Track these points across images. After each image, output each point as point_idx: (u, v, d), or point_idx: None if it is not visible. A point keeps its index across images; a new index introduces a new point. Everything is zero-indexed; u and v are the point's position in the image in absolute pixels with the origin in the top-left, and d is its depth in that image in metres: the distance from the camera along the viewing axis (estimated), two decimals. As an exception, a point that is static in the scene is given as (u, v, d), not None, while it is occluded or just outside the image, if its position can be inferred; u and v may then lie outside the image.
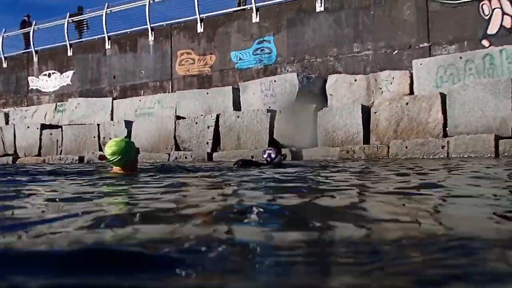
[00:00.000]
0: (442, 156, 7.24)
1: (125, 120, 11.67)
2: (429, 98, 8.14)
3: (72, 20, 15.73)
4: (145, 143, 11.09)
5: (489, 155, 6.86)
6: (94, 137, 11.89)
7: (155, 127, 11.10)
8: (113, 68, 14.71)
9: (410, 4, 10.32)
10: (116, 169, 4.48)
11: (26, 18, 17.15)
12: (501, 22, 9.41)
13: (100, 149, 11.73)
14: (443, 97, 8.07)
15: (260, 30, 12.23)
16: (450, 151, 7.21)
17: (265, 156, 5.88)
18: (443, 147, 7.27)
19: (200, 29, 13.12)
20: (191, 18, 13.23)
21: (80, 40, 15.76)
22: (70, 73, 15.59)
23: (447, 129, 7.99)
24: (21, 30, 17.07)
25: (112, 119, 12.99)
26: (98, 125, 11.99)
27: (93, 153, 11.36)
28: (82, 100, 13.97)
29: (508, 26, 9.34)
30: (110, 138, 11.55)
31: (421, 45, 10.15)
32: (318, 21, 11.40)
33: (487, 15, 9.53)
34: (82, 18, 15.65)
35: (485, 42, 9.47)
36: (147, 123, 11.33)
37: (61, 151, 12.29)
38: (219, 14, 12.97)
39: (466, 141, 7.11)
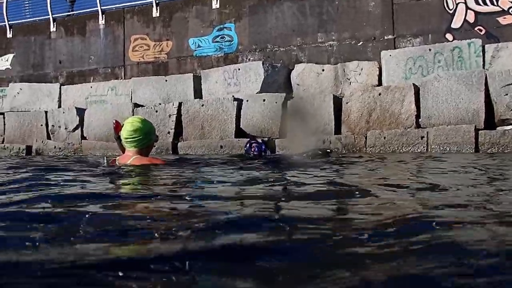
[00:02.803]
0: (422, 147, 6.95)
1: (76, 108, 10.57)
2: (402, 89, 7.86)
3: (11, -1, 14.13)
4: (99, 132, 10.09)
5: (469, 146, 6.64)
6: (42, 125, 10.68)
7: (110, 115, 10.07)
8: (59, 52, 13.37)
9: (375, -5, 10.02)
10: (126, 156, 3.70)
11: None
12: (465, 16, 9.32)
13: (49, 138, 10.56)
14: (416, 88, 7.81)
15: (221, 16, 11.49)
16: (429, 142, 6.94)
17: (252, 150, 5.28)
18: (422, 137, 6.99)
19: (155, 13, 12.15)
20: (146, 1, 12.24)
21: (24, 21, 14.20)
22: (9, 56, 14.03)
23: (420, 120, 7.74)
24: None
25: (60, 106, 11.76)
26: (46, 112, 10.79)
27: (42, 142, 10.18)
28: (26, 85, 12.58)
29: (472, 21, 9.26)
30: (60, 127, 10.45)
31: (386, 37, 9.88)
32: (281, 9, 10.84)
33: (451, 9, 9.40)
34: (24, -3, 14.09)
35: (449, 36, 9.34)
36: (101, 111, 10.31)
37: (3, 139, 10.95)
38: (177, -2, 12.07)
39: (446, 131, 6.87)
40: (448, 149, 6.75)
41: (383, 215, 1.48)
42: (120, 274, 0.89)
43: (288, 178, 2.95)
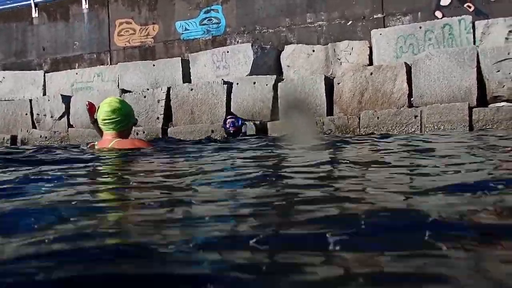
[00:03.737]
0: (415, 126, 6.86)
1: (61, 95, 10.27)
2: (394, 68, 7.73)
3: (-10, -16, 13.64)
4: (86, 120, 9.74)
5: (463, 124, 6.57)
6: (26, 114, 10.38)
7: (97, 102, 9.73)
8: (42, 38, 12.98)
9: (364, -27, 9.82)
10: (105, 140, 3.50)
11: None
12: (454, -7, 9.18)
13: (34, 127, 10.29)
14: (408, 67, 7.70)
15: (207, -2, 11.21)
16: (423, 121, 6.85)
17: (227, 126, 5.05)
18: (416, 116, 6.90)
19: (140, -4, 11.82)
20: (130, -16, 11.88)
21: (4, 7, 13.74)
22: (-9, 44, 13.59)
23: (412, 99, 7.64)
24: None
25: (44, 94, 11.44)
26: (31, 100, 10.47)
27: (27, 131, 9.91)
28: (8, 73, 12.20)
29: (461, -2, 9.13)
30: (45, 115, 10.17)
31: (375, 16, 9.73)
32: (269, -10, 10.59)
33: (441, -14, 9.25)
34: (3, -18, 13.60)
35: (438, 13, 9.22)
36: (88, 98, 9.88)
37: (-13, 130, 10.64)
38: (162, -20, 11.73)
39: (439, 110, 6.77)
40: (442, 128, 6.67)
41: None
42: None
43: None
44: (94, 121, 3.64)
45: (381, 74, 7.78)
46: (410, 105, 7.59)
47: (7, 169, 2.50)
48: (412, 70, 7.62)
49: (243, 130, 4.92)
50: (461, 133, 5.86)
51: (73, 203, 1.44)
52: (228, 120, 5.03)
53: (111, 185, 2.03)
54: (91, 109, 3.59)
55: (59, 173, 2.17)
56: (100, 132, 3.74)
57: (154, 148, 3.86)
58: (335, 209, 1.25)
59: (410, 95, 7.64)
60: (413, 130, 6.87)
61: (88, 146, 3.94)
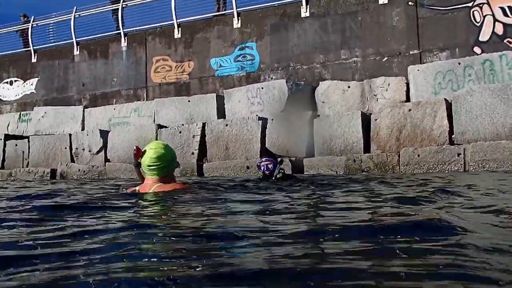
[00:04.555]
0: (459, 164, 6.59)
1: (100, 130, 10.44)
2: (434, 104, 7.53)
3: (36, 24, 14.27)
4: (123, 154, 9.94)
5: (509, 163, 6.27)
6: (66, 148, 10.58)
7: (134, 137, 9.95)
8: (82, 75, 13.39)
9: (399, 10, 9.77)
10: (147, 185, 3.43)
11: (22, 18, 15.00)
12: (493, 29, 8.99)
13: (73, 161, 10.45)
14: (447, 103, 7.48)
15: (242, 36, 11.36)
16: (467, 159, 6.58)
17: (262, 169, 4.97)
18: (459, 154, 6.63)
19: (177, 34, 12.09)
20: (168, 23, 12.19)
21: (48, 45, 14.29)
22: (34, 80, 14.11)
23: (453, 136, 7.39)
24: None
25: (83, 129, 11.70)
26: (70, 135, 10.69)
27: (66, 165, 10.06)
28: (50, 108, 12.58)
29: (500, 33, 8.93)
30: (83, 149, 10.33)
31: (411, 52, 9.60)
32: (303, 27, 10.66)
33: (479, 22, 9.09)
34: (48, 22, 14.20)
35: (476, 49, 9.02)
36: (125, 132, 10.17)
37: (27, 163, 10.88)
38: (198, 19, 12.00)
39: (484, 148, 6.50)
40: (487, 166, 6.38)
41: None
42: None
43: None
44: (138, 165, 3.58)
45: (420, 110, 7.58)
46: (451, 142, 7.34)
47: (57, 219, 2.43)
48: (452, 106, 7.40)
49: (276, 171, 4.81)
50: None
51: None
52: (263, 163, 4.93)
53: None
54: (138, 153, 3.53)
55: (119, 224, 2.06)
56: (141, 176, 3.67)
57: (190, 191, 3.76)
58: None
59: (450, 132, 7.39)
60: (456, 168, 6.59)
61: (126, 191, 3.86)
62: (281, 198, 3.13)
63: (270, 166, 4.90)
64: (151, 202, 3.05)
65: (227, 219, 2.14)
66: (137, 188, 3.63)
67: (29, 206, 2.81)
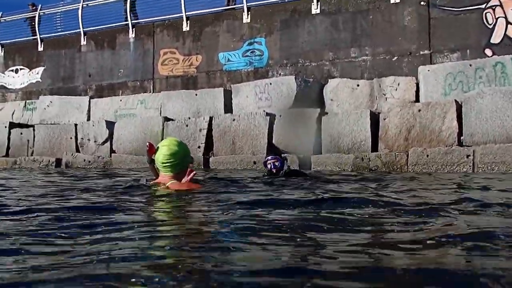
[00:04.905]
0: (467, 166, 6.54)
1: (106, 121, 10.40)
2: (443, 105, 7.47)
3: (43, 13, 14.21)
4: (129, 146, 9.90)
5: (520, 166, 6.23)
6: (71, 138, 10.54)
7: (140, 129, 9.91)
8: (89, 65, 13.34)
9: (411, 10, 9.70)
10: (160, 180, 3.39)
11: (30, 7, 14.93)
12: (505, 31, 8.94)
13: (78, 151, 10.41)
14: (458, 104, 7.43)
15: (251, 31, 11.30)
16: (476, 161, 6.53)
17: (268, 167, 4.95)
18: (468, 156, 6.59)
19: (185, 27, 12.03)
20: (177, 15, 12.13)
21: (55, 34, 14.22)
22: (40, 69, 14.06)
23: (461, 138, 7.34)
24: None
25: (88, 119, 11.66)
26: (76, 125, 10.65)
27: (72, 155, 10.02)
28: (55, 98, 12.54)
29: (512, 36, 8.87)
30: (89, 140, 10.29)
31: (421, 52, 9.54)
32: (314, 24, 10.60)
33: (491, 24, 9.04)
34: (56, 11, 14.14)
35: (488, 51, 8.96)
36: (131, 124, 10.12)
37: (32, 152, 10.84)
38: (207, 12, 11.93)
39: (494, 150, 6.45)
40: (496, 169, 6.34)
41: None
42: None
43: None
44: (151, 161, 3.53)
45: (430, 111, 7.53)
46: (460, 143, 7.29)
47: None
48: (462, 108, 7.35)
49: (284, 168, 4.80)
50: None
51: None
52: (270, 161, 4.91)
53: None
54: (151, 150, 3.48)
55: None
56: (155, 172, 3.63)
57: (206, 190, 3.72)
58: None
59: (460, 133, 7.34)
60: (464, 170, 6.55)
61: (150, 183, 3.82)
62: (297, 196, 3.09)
63: (277, 163, 4.89)
64: (165, 202, 3.01)
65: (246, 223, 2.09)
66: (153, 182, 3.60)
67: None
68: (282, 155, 5.59)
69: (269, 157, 5.03)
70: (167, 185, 3.40)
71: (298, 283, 1.05)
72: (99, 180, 5.13)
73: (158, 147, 3.41)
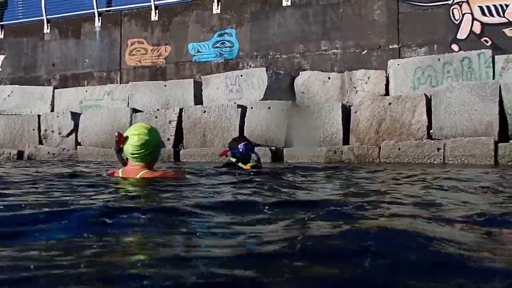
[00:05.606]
0: (438, 159, 6.62)
1: (71, 112, 10.00)
2: (413, 99, 7.54)
3: (3, -1, 13.51)
4: (95, 138, 9.57)
5: (488, 159, 6.34)
6: (34, 129, 10.09)
7: (107, 121, 9.58)
8: (52, 54, 12.79)
9: (380, 4, 9.73)
10: (132, 170, 3.19)
11: None
12: (471, 27, 9.08)
13: (41, 143, 9.98)
14: (427, 98, 7.51)
15: (221, 22, 11.08)
16: (446, 154, 6.62)
17: (239, 150, 4.62)
18: (438, 149, 6.67)
19: (154, 17, 11.69)
20: (145, 4, 11.76)
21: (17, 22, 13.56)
22: (0, 57, 13.38)
23: (431, 131, 7.43)
24: None
25: (52, 110, 11.19)
26: (39, 116, 10.19)
27: (35, 147, 9.59)
28: (17, 88, 11.97)
29: (478, 32, 9.02)
30: (53, 132, 9.88)
31: (391, 46, 9.59)
32: (284, 16, 10.49)
33: (457, 19, 9.16)
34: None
35: (454, 47, 9.09)
36: (97, 116, 9.78)
37: (-8, 144, 10.32)
38: (176, 2, 11.62)
39: (464, 143, 6.55)
40: (466, 162, 6.43)
41: None
42: None
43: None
44: (119, 151, 3.30)
45: (400, 104, 7.58)
46: (429, 137, 7.37)
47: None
48: (432, 101, 7.43)
49: (253, 159, 4.56)
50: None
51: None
52: (242, 146, 4.59)
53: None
54: (120, 139, 3.25)
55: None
56: (122, 161, 3.40)
57: (187, 180, 3.56)
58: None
59: (429, 127, 7.43)
60: (435, 162, 6.62)
61: (107, 174, 3.60)
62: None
63: (250, 151, 4.64)
64: (139, 189, 2.84)
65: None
66: (119, 171, 3.39)
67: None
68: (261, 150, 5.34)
69: (244, 142, 4.74)
70: (138, 176, 3.22)
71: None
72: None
73: (127, 137, 3.20)
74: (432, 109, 7.40)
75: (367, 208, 1.88)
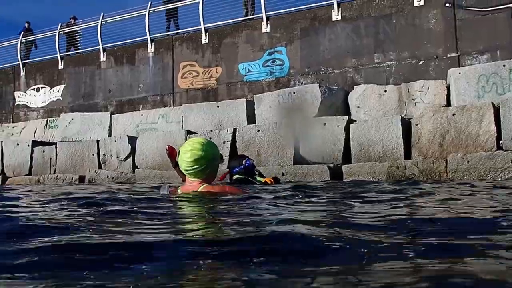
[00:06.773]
0: (513, 171, 6.09)
1: (128, 136, 10.14)
2: (479, 108, 7.03)
3: (63, 31, 14.13)
4: (151, 161, 9.61)
5: None
6: (93, 154, 10.29)
7: (163, 143, 9.55)
8: (109, 82, 13.17)
9: (436, 12, 9.31)
10: (191, 186, 3.04)
11: (26, 25, 15.23)
12: (537, 30, 8.48)
13: (100, 167, 10.16)
14: (494, 107, 6.98)
15: (271, 40, 11.00)
16: (522, 166, 6.07)
17: (246, 164, 5.05)
18: (513, 161, 6.13)
19: (204, 40, 11.79)
20: (195, 28, 11.91)
21: (75, 52, 14.12)
22: (61, 87, 13.94)
23: (500, 142, 6.87)
24: (6, 42, 15.31)
25: (110, 135, 11.43)
26: (98, 141, 10.41)
27: (95, 171, 9.77)
28: (77, 115, 12.36)
29: (545, 34, 8.41)
30: (111, 156, 10.03)
31: (449, 55, 9.12)
32: (335, 31, 10.26)
33: (521, 22, 8.59)
34: (75, 29, 14.04)
35: (519, 51, 8.51)
36: (153, 139, 9.83)
37: (55, 170, 10.62)
38: (226, 24, 11.69)
39: (541, 154, 5.99)
40: (544, 174, 5.87)
41: None
42: None
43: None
44: (176, 165, 3.17)
45: (465, 115, 7.09)
46: (499, 148, 6.83)
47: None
48: (500, 110, 6.89)
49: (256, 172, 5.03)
50: None
51: None
52: (247, 161, 5.08)
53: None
54: (172, 153, 3.13)
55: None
56: (182, 174, 3.27)
57: (247, 194, 3.37)
58: None
59: (498, 137, 6.88)
60: (510, 175, 6.09)
61: (169, 192, 3.47)
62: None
63: (250, 161, 5.08)
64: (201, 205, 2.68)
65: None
66: (178, 189, 3.25)
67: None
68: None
69: (246, 159, 5.19)
70: (198, 190, 3.07)
71: None
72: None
73: (179, 151, 3.07)
74: (501, 118, 6.86)
75: None
